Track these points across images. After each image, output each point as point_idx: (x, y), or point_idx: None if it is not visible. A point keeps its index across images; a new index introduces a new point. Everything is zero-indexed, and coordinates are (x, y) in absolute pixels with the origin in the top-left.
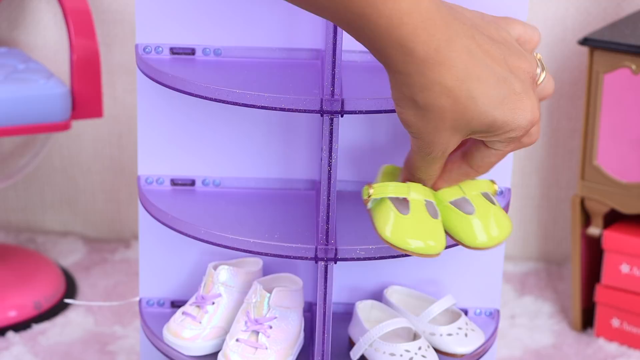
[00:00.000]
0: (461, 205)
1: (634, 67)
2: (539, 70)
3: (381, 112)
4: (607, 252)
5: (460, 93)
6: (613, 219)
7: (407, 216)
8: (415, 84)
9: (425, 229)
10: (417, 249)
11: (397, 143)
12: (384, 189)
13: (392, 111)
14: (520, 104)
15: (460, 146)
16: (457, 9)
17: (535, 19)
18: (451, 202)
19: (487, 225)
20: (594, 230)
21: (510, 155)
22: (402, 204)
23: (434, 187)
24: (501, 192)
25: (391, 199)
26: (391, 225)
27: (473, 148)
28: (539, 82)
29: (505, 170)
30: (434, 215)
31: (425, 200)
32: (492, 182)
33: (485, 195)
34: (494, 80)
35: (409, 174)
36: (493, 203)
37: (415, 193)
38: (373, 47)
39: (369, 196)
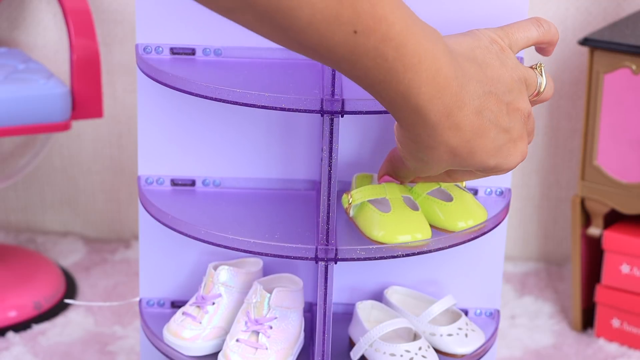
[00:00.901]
0: (439, 194)
1: (634, 67)
2: (539, 80)
3: (381, 113)
4: (607, 253)
5: (463, 150)
6: (613, 219)
7: (389, 214)
8: (422, 142)
9: (410, 222)
10: (407, 242)
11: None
12: (363, 194)
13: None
14: (513, 150)
15: None
16: (471, 52)
17: None
18: (429, 194)
19: (466, 211)
20: (594, 231)
21: None
22: (382, 203)
23: (416, 180)
24: (501, 193)
25: (371, 201)
26: (378, 226)
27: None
28: (541, 91)
29: None
30: (414, 208)
31: (403, 196)
32: None
33: (457, 186)
34: (495, 132)
35: (392, 172)
36: (464, 191)
37: (392, 191)
38: (388, 106)
39: (350, 204)
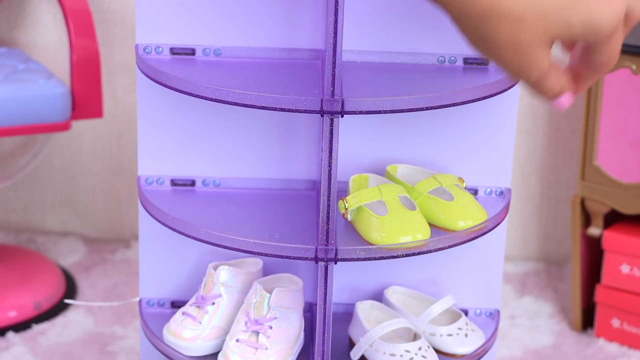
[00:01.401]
0: (440, 193)
1: (634, 67)
2: None
3: (381, 112)
4: (607, 253)
5: (517, 10)
6: (613, 219)
7: (386, 216)
8: (471, 16)
9: (409, 223)
10: (407, 243)
11: (397, 142)
12: (358, 198)
13: (392, 111)
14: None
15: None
16: None
17: None
18: (430, 192)
19: (466, 211)
20: (594, 231)
21: (510, 155)
22: (378, 206)
23: (576, 91)
24: (501, 193)
25: (367, 205)
26: (376, 229)
27: (584, 52)
28: None
29: (505, 171)
30: (412, 207)
31: (399, 196)
32: (461, 178)
33: (458, 186)
34: None
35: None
36: (465, 191)
37: (388, 193)
38: None
39: (346, 209)
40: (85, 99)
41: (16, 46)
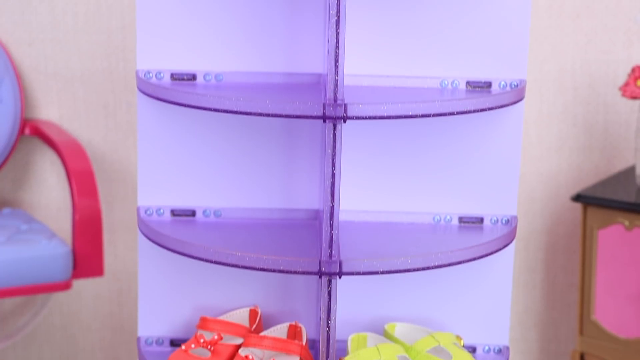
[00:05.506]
0: (438, 352)
1: (627, 223)
2: None
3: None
4: None
5: None
6: None
7: None
8: None
9: None
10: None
11: (394, 300)
12: (357, 359)
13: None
14: None
15: None
16: None
17: (529, 174)
18: (428, 351)
19: None
20: None
21: (507, 311)
22: None
23: None
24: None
25: None
26: None
27: None
28: None
29: (503, 327)
30: None
31: (398, 356)
32: (459, 336)
33: (456, 345)
34: None
35: None
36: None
37: (386, 353)
38: None
39: None
40: (87, 258)
41: (19, 205)
